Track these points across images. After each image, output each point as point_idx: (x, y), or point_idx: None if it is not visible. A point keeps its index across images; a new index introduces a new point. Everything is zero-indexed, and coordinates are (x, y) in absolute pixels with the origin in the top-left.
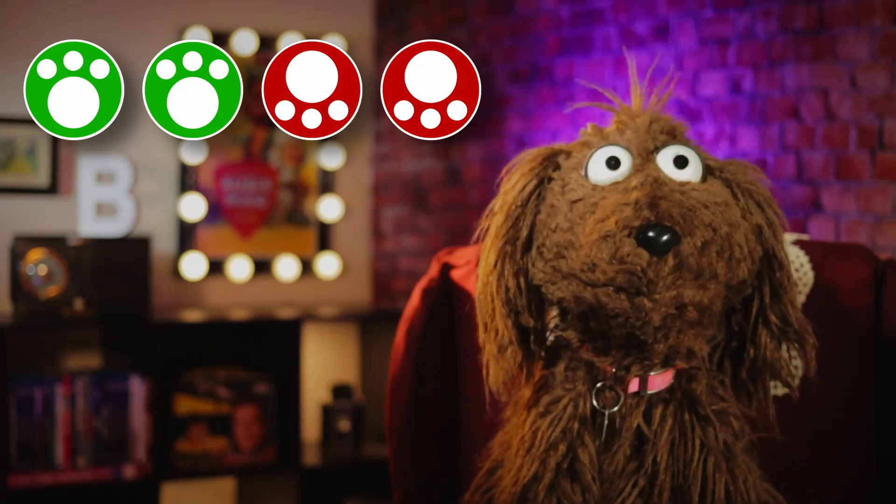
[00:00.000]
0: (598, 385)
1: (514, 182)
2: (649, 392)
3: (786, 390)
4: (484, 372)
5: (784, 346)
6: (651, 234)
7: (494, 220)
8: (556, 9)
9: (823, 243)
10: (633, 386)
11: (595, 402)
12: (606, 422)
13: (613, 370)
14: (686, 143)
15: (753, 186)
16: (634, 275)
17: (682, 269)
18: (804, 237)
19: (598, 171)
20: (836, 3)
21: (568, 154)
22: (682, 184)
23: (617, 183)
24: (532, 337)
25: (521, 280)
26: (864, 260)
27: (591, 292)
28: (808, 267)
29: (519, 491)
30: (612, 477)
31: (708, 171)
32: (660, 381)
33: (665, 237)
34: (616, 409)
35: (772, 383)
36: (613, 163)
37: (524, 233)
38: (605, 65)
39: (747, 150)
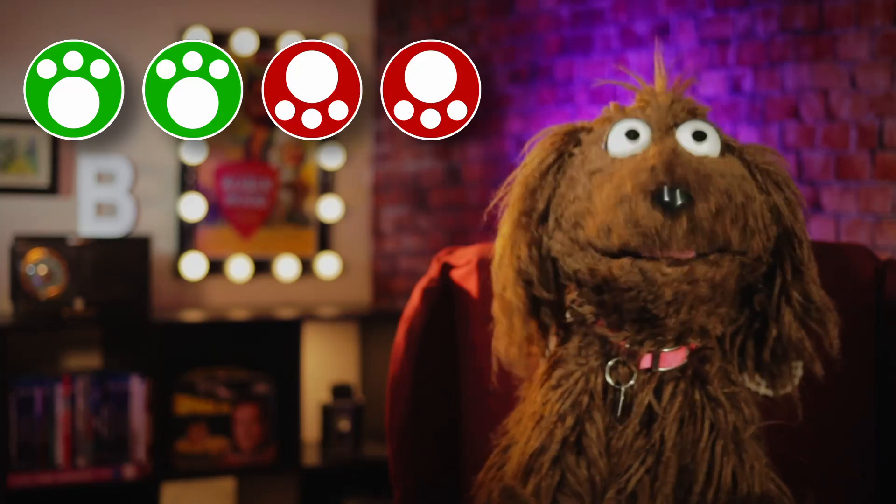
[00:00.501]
0: (612, 361)
1: (533, 156)
2: (661, 369)
3: (786, 390)
4: (494, 343)
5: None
6: (666, 196)
7: (512, 192)
8: (556, 9)
9: (823, 243)
10: (646, 362)
11: (608, 378)
12: (622, 398)
13: (627, 346)
14: (707, 121)
15: (772, 167)
16: (648, 236)
17: (695, 232)
18: None
19: (617, 144)
20: (836, 3)
21: (589, 130)
22: (700, 156)
23: (636, 154)
24: (544, 309)
25: (535, 251)
26: (864, 260)
27: (605, 264)
28: None
29: (525, 461)
30: (619, 452)
31: (727, 149)
32: (672, 358)
33: (680, 200)
34: (629, 384)
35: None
36: (633, 135)
37: (541, 205)
38: (605, 65)
39: None
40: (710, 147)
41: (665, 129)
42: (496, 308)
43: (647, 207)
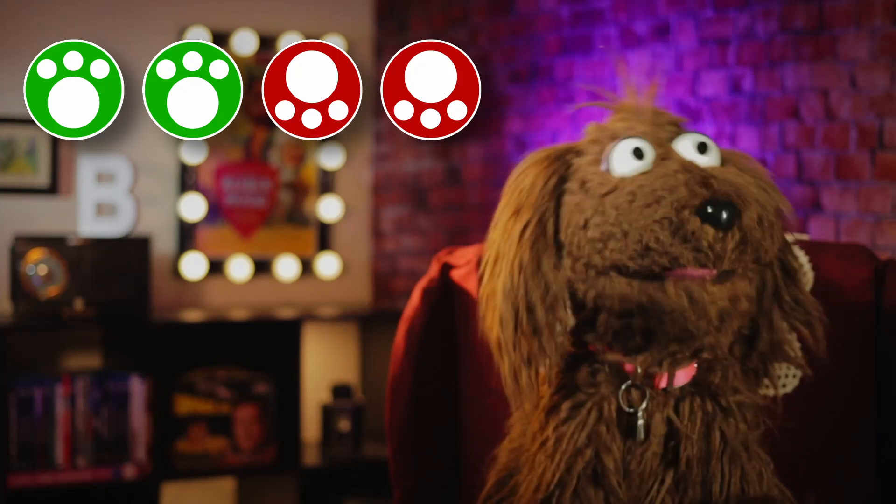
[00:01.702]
0: (624, 385)
1: (531, 179)
2: (675, 387)
3: (787, 390)
4: (506, 380)
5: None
6: (712, 209)
7: (519, 219)
8: (556, 9)
9: (823, 243)
10: (663, 382)
11: (622, 403)
12: (641, 421)
13: (640, 369)
14: (696, 132)
15: (758, 174)
16: (702, 251)
17: (746, 244)
18: (804, 237)
19: (622, 164)
20: (836, 3)
21: (578, 153)
22: (712, 168)
23: (644, 173)
24: (546, 335)
25: (560, 275)
26: (864, 260)
27: (643, 288)
28: (808, 267)
29: (541, 498)
30: (641, 475)
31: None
32: (683, 375)
33: (728, 212)
34: (643, 407)
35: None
36: (639, 154)
37: (550, 230)
38: (605, 65)
39: (747, 150)
40: (713, 158)
41: (664, 145)
42: (507, 337)
43: (696, 221)
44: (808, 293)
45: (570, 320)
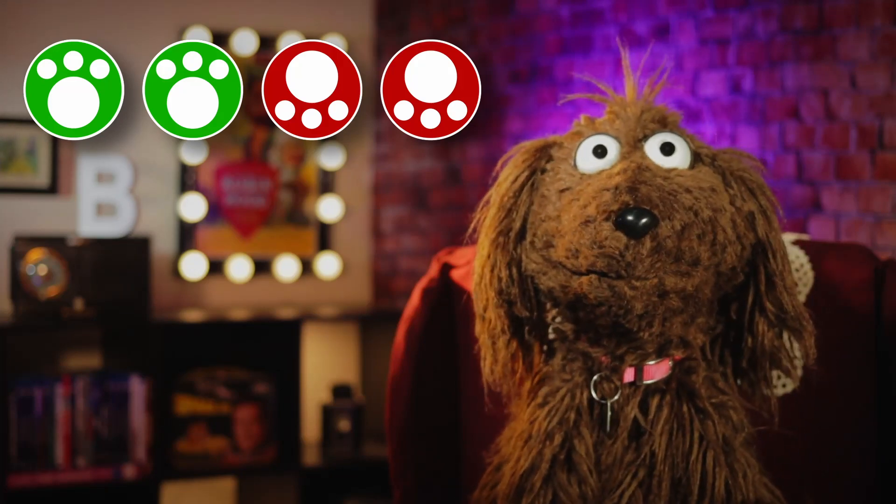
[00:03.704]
0: (596, 376)
1: (507, 174)
2: (646, 382)
3: (787, 390)
4: (481, 364)
5: (785, 335)
6: (629, 217)
7: (488, 213)
8: (556, 9)
9: (823, 243)
10: (629, 376)
11: (593, 393)
12: (609, 412)
13: (609, 360)
14: (677, 131)
15: (746, 174)
16: (613, 258)
17: (660, 252)
18: (804, 237)
19: (585, 161)
20: (836, 3)
21: (560, 145)
22: (668, 170)
23: (603, 171)
24: (527, 328)
25: (514, 270)
26: (864, 260)
27: (576, 281)
28: (808, 267)
29: (516, 482)
30: (610, 468)
31: (697, 159)
32: (656, 371)
33: (643, 220)
34: (615, 399)
35: (775, 379)
36: (600, 151)
37: (517, 224)
38: (605, 65)
39: (747, 150)
40: (679, 159)
41: (634, 143)
42: (478, 329)
43: (609, 228)
44: (795, 299)
45: (524, 312)
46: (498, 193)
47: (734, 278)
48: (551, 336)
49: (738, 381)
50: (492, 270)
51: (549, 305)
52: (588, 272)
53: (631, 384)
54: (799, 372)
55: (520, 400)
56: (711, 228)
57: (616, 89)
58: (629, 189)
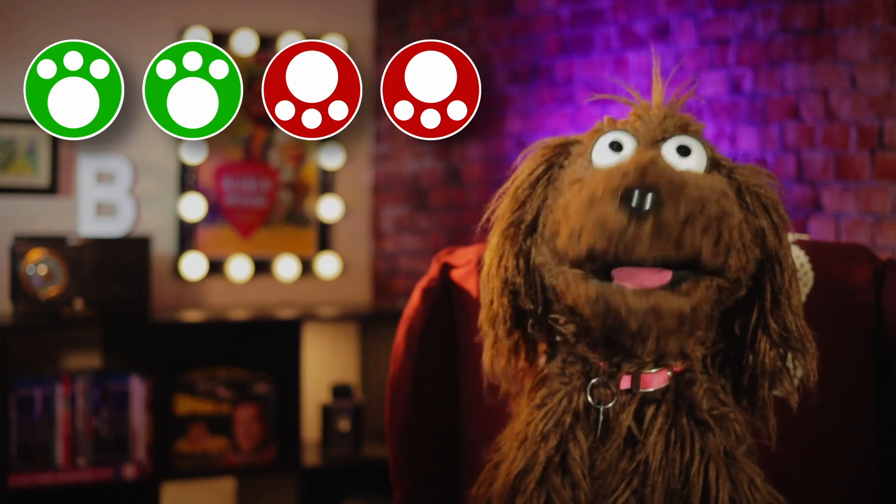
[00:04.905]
0: (593, 381)
1: (524, 167)
2: (642, 391)
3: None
4: (483, 355)
5: (787, 354)
6: (630, 194)
7: (502, 203)
8: (556, 9)
9: (823, 243)
10: (625, 383)
11: (590, 398)
12: (602, 417)
13: (607, 366)
14: (697, 137)
15: (762, 189)
16: (612, 238)
17: (660, 235)
18: (804, 237)
19: (601, 155)
20: (836, 3)
21: (580, 143)
22: (681, 171)
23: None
24: (530, 321)
25: (522, 262)
26: (864, 260)
27: (573, 290)
28: (808, 267)
29: (511, 482)
30: (604, 473)
31: (714, 167)
32: (654, 380)
33: (647, 199)
34: (610, 405)
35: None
36: (616, 146)
37: (529, 216)
38: (605, 65)
39: (747, 150)
40: (695, 162)
41: (651, 142)
42: (483, 318)
43: (613, 206)
44: (801, 320)
45: (528, 304)
46: (513, 186)
47: (736, 292)
48: (557, 338)
49: (738, 400)
50: (500, 260)
51: (554, 303)
52: (588, 257)
53: (627, 391)
54: (796, 386)
55: (521, 399)
56: (717, 227)
57: (617, 90)
58: (637, 174)
